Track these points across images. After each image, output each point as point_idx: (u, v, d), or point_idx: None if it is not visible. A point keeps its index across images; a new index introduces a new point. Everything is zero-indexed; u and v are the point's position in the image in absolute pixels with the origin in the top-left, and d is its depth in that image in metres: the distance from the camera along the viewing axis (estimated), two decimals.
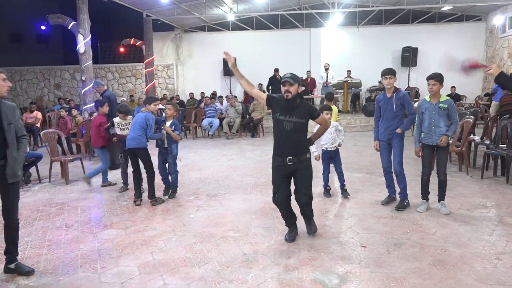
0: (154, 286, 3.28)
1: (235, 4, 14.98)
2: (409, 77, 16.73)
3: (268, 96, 4.14)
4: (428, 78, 4.81)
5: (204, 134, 13.09)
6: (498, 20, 15.11)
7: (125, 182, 6.49)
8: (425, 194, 5.04)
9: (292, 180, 4.09)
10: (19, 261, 3.61)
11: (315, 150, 5.41)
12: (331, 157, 5.78)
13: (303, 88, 4.25)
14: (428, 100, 4.88)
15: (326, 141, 5.70)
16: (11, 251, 3.52)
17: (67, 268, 3.67)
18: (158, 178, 5.79)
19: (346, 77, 15.55)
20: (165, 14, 14.73)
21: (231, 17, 16.41)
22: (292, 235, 4.17)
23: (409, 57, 16.50)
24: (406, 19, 17.19)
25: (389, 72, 5.06)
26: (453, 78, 15.93)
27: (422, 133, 4.90)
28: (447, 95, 15.05)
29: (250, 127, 12.64)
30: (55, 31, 23.73)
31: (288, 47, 17.23)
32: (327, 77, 14.42)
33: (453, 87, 15.30)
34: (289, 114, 3.91)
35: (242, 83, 4.13)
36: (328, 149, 5.72)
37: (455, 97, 15.09)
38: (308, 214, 4.26)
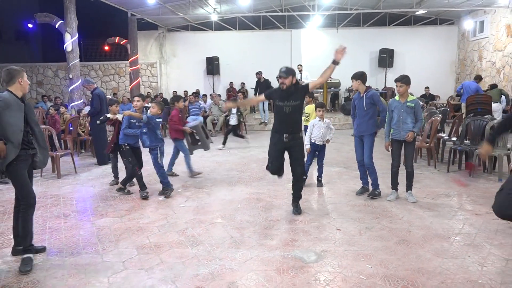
0: (152, 264, 3.68)
1: (219, 4, 15.34)
2: (386, 77, 17.39)
3: (265, 94, 5.05)
4: (396, 81, 5.32)
5: None
6: (468, 24, 15.90)
7: (116, 176, 6.82)
8: (394, 185, 5.56)
9: (288, 156, 4.90)
10: None
11: (307, 143, 6.09)
12: (317, 150, 6.32)
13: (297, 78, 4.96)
14: (397, 99, 5.38)
15: (316, 135, 6.21)
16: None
17: (70, 250, 4.04)
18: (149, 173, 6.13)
19: None
20: (150, 14, 14.99)
21: (214, 17, 16.76)
22: (295, 209, 5.03)
23: (386, 58, 17.17)
24: (383, 22, 17.87)
25: (352, 77, 5.65)
26: (427, 79, 16.83)
27: (392, 129, 5.41)
28: (421, 95, 15.87)
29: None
30: (34, 28, 23.57)
31: (270, 47, 17.70)
32: (301, 77, 14.90)
33: (427, 87, 16.04)
34: (286, 100, 4.72)
35: (254, 103, 5.04)
36: (316, 143, 6.23)
37: (429, 97, 15.83)
38: (298, 192, 5.04)
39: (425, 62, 17.42)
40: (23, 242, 3.70)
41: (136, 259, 3.79)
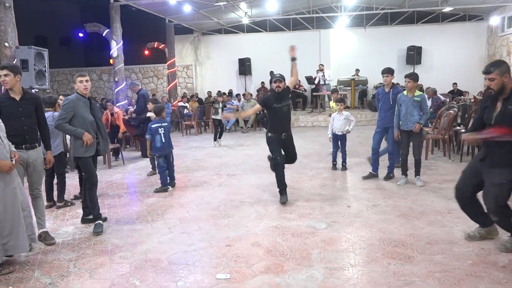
0: (192, 229, 4.55)
1: (250, 9, 16.21)
2: None
3: (260, 102, 5.72)
4: (405, 77, 5.98)
5: None
6: (494, 20, 16.00)
7: (154, 167, 7.69)
8: (404, 171, 6.21)
9: (284, 150, 5.57)
10: None
11: (328, 133, 7.32)
12: (339, 139, 7.30)
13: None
14: (406, 94, 6.02)
15: (336, 127, 7.21)
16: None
17: (126, 220, 4.98)
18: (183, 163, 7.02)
19: (353, 75, 16.70)
20: (186, 20, 16.06)
21: (246, 21, 17.65)
22: (284, 198, 5.44)
23: (414, 55, 17.45)
24: (411, 20, 18.18)
25: (387, 71, 6.29)
26: (456, 75, 17.03)
27: (400, 121, 6.05)
28: (449, 91, 16.08)
29: (264, 122, 13.86)
30: (77, 35, 25.16)
31: (299, 47, 17.88)
32: (323, 76, 15.49)
33: (454, 83, 16.27)
34: (282, 101, 5.44)
35: (250, 114, 5.80)
36: (337, 133, 7.25)
37: (457, 92, 16.05)
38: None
39: (453, 58, 17.58)
40: (93, 211, 4.66)
41: (179, 227, 4.67)
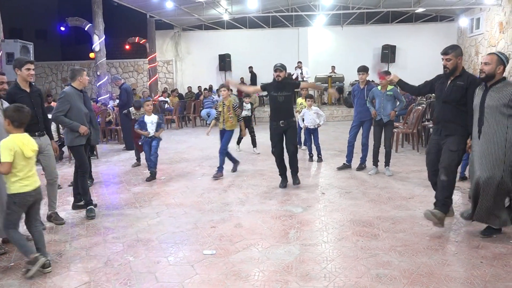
0: (179, 214, 4.89)
1: (230, 5, 16.51)
2: None
3: (261, 85, 6.08)
4: (385, 73, 6.45)
5: (202, 123, 14.65)
6: (463, 22, 16.80)
7: (138, 159, 7.97)
8: (375, 162, 6.69)
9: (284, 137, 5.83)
10: None
11: (301, 125, 7.85)
12: (311, 133, 7.74)
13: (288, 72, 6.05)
14: (379, 89, 6.50)
15: (308, 122, 7.62)
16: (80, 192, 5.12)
17: (115, 206, 5.28)
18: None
19: (330, 72, 17.23)
20: (167, 15, 16.22)
21: (226, 17, 17.93)
22: (284, 183, 5.95)
23: (388, 54, 18.14)
24: (386, 19, 18.84)
25: (362, 69, 6.74)
26: (428, 73, 17.68)
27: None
28: None
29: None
30: (52, 28, 24.72)
31: (278, 44, 18.80)
32: (302, 73, 16.02)
33: (426, 81, 16.98)
34: (280, 91, 5.71)
35: (250, 91, 6.27)
36: (309, 127, 7.69)
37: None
38: (294, 166, 5.93)
39: (425, 57, 18.24)
40: (85, 197, 4.95)
41: (166, 212, 5.01)
